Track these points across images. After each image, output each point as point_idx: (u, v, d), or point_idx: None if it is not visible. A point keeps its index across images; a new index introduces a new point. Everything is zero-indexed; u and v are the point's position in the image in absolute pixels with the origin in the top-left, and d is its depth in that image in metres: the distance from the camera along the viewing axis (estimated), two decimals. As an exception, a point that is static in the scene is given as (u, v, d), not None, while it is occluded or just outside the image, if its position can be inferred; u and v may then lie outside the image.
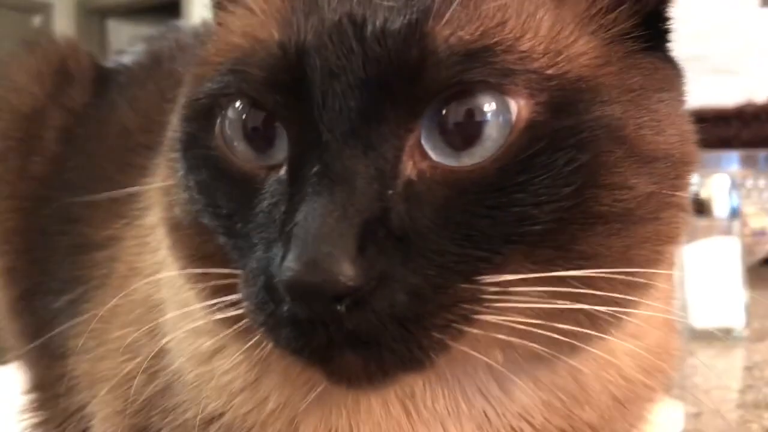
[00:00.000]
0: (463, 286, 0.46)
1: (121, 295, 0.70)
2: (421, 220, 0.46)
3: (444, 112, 0.47)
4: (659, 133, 0.49)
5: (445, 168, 0.47)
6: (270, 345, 0.50)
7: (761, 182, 1.80)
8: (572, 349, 0.51)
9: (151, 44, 1.04)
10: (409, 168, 0.47)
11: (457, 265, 0.46)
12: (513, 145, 0.46)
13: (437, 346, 0.46)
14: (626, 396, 0.60)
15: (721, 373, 1.17)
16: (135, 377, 0.65)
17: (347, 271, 0.43)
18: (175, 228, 0.58)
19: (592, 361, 0.56)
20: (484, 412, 0.57)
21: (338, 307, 0.44)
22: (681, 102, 0.53)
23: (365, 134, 0.47)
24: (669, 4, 0.53)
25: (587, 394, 0.58)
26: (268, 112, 0.51)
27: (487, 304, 0.46)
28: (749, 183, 1.80)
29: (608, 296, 0.48)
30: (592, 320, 0.49)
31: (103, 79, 1.03)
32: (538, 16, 0.49)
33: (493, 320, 0.47)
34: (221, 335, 0.56)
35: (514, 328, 0.47)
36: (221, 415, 0.60)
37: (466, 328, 0.46)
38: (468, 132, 0.47)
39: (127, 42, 1.17)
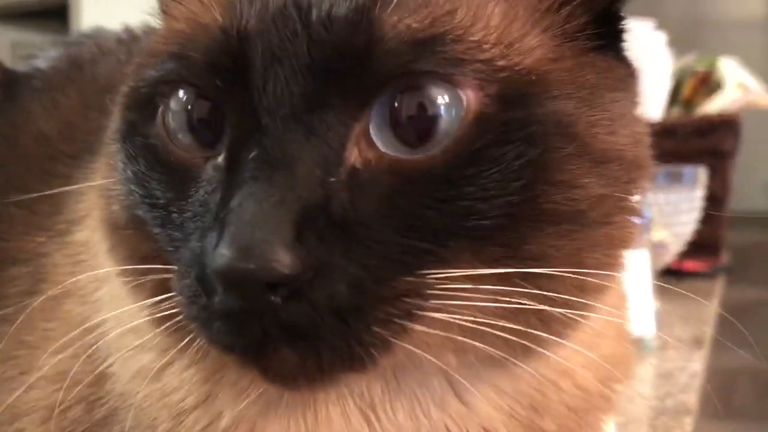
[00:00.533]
0: (406, 279, 0.44)
1: (49, 318, 0.65)
2: (364, 209, 0.45)
3: (396, 104, 0.46)
4: (612, 134, 0.49)
5: (392, 158, 0.46)
6: (200, 343, 0.48)
7: (660, 197, 1.89)
8: (525, 352, 0.49)
9: (69, 49, 0.98)
10: (354, 156, 0.46)
11: (402, 256, 0.44)
12: (462, 137, 0.45)
13: (379, 342, 0.45)
14: (582, 406, 0.60)
15: (638, 383, 1.21)
16: (71, 407, 0.60)
17: (283, 258, 0.41)
18: (114, 228, 0.55)
19: (548, 370, 0.56)
20: (445, 425, 0.55)
21: (273, 298, 0.42)
22: (635, 104, 0.53)
23: (308, 120, 0.45)
24: (622, 3, 0.53)
25: (547, 403, 0.58)
26: (211, 100, 0.49)
27: (432, 300, 0.45)
28: (650, 197, 1.89)
29: (558, 297, 0.47)
30: (544, 322, 0.48)
31: (13, 83, 0.96)
32: (489, 7, 0.48)
33: (439, 317, 0.45)
34: (167, 349, 0.54)
35: (462, 327, 0.46)
36: None
37: (410, 324, 0.45)
38: (422, 126, 0.46)
39: (9, 47, 1.10)
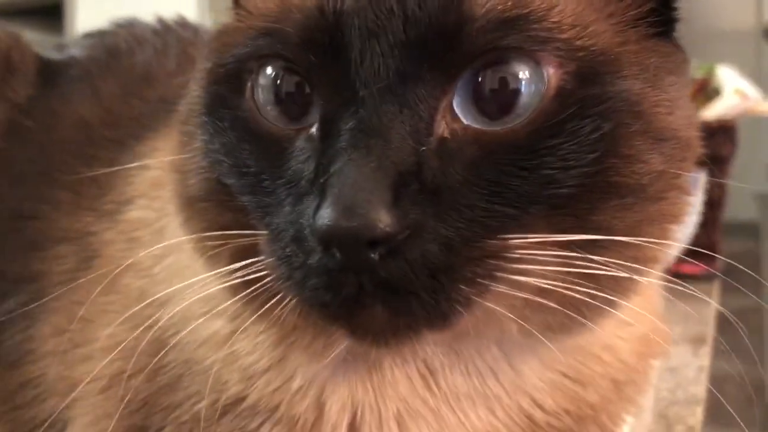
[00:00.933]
0: (490, 241, 0.47)
1: (107, 292, 0.67)
2: (452, 176, 0.48)
3: (480, 79, 0.49)
4: (670, 114, 0.52)
5: (477, 129, 0.49)
6: (288, 306, 0.50)
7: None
8: (586, 314, 0.52)
9: (103, 38, 1.00)
10: (442, 127, 0.49)
11: (486, 220, 0.47)
12: (544, 111, 0.49)
13: (463, 300, 0.48)
14: (623, 379, 0.63)
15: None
16: (132, 376, 0.62)
17: (384, 218, 0.44)
18: (190, 201, 0.57)
19: (593, 344, 0.59)
20: (497, 394, 0.59)
21: (372, 255, 0.45)
22: (687, 87, 0.57)
23: (402, 92, 0.48)
24: None
25: (590, 375, 0.61)
26: (301, 75, 0.51)
27: (512, 263, 0.48)
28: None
29: (618, 263, 0.50)
30: (606, 287, 0.51)
31: (50, 71, 0.98)
32: None
33: (518, 279, 0.48)
34: (239, 315, 0.56)
35: (538, 289, 0.49)
36: (244, 398, 0.59)
37: (493, 284, 0.48)
38: (503, 100, 0.49)
39: None
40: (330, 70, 0.50)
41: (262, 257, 0.51)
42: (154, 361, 0.61)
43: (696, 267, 2.20)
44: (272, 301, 0.51)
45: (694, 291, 0.63)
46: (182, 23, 1.01)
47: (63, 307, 0.72)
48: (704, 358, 1.34)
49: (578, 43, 0.50)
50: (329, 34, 0.50)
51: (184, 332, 0.60)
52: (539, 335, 0.53)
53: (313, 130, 0.51)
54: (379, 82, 0.48)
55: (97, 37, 1.01)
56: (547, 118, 0.48)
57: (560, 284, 0.49)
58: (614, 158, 0.49)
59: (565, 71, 0.49)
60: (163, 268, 0.64)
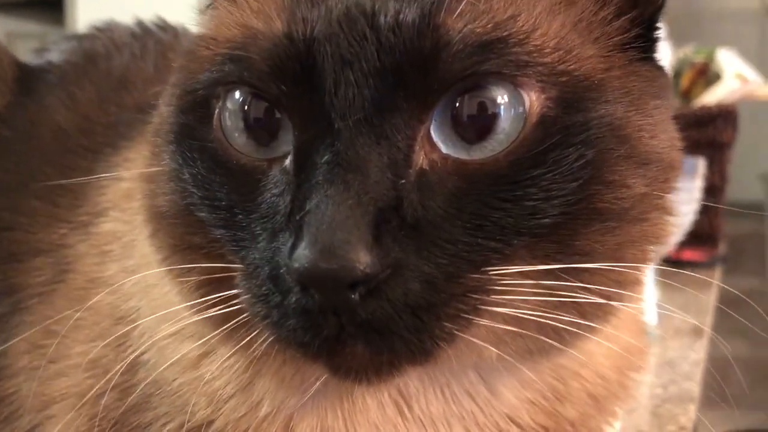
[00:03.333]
0: (472, 276, 0.46)
1: (79, 308, 0.66)
2: (433, 210, 0.47)
3: (457, 104, 0.48)
4: (654, 137, 0.51)
5: (457, 159, 0.48)
6: (265, 342, 0.49)
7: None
8: (566, 341, 0.52)
9: (81, 42, 0.99)
10: (421, 158, 0.48)
11: (469, 254, 0.46)
12: (526, 140, 0.47)
13: (447, 336, 0.47)
14: (602, 394, 0.62)
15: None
16: (102, 394, 0.61)
17: (364, 258, 0.43)
18: (158, 217, 0.56)
19: (571, 361, 0.58)
20: (472, 413, 0.58)
21: (352, 296, 0.44)
22: (669, 109, 0.55)
23: (378, 123, 0.47)
24: (661, 14, 0.55)
25: (568, 392, 0.60)
26: (270, 102, 0.50)
27: (494, 296, 0.47)
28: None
29: (599, 290, 0.50)
30: (588, 312, 0.50)
31: (28, 77, 0.97)
32: (547, 16, 0.50)
33: (500, 311, 0.47)
34: (208, 338, 0.55)
35: (518, 319, 0.48)
36: (211, 422, 0.58)
37: (476, 319, 0.47)
38: (481, 124, 0.47)
39: (4, 37, 1.10)
40: (302, 100, 0.48)
41: (234, 290, 0.50)
42: (123, 380, 0.60)
43: (697, 253, 2.18)
44: (249, 337, 0.50)
45: (686, 283, 0.62)
46: (162, 26, 0.99)
47: (37, 322, 0.71)
48: (700, 351, 1.32)
49: (561, 67, 0.49)
50: (300, 62, 0.48)
51: (153, 352, 0.59)
52: (517, 361, 0.52)
53: (287, 162, 0.49)
54: (355, 113, 0.47)
55: (75, 40, 1.00)
56: (530, 147, 0.47)
57: (542, 313, 0.48)
58: (598, 185, 0.48)
59: (547, 97, 0.48)
60: (134, 283, 0.63)
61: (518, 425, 0.59)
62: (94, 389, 0.62)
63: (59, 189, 0.79)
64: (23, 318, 0.73)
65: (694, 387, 1.14)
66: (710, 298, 1.49)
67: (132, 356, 0.60)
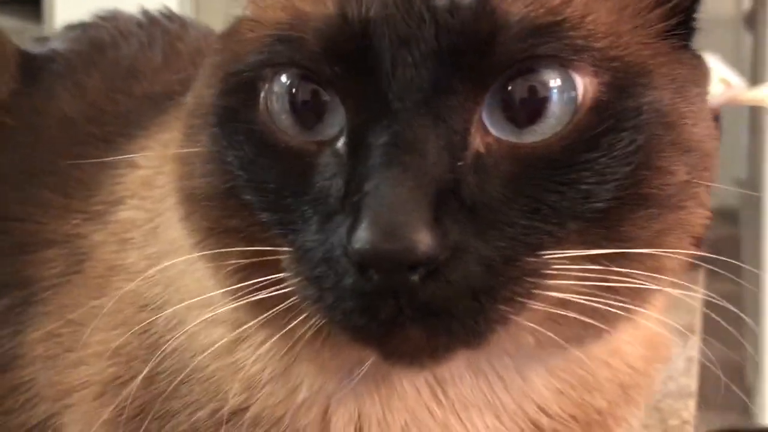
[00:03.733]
0: (528, 259, 0.46)
1: (98, 296, 0.65)
2: (490, 193, 0.47)
3: (510, 88, 0.48)
4: (695, 125, 0.51)
5: (510, 143, 0.48)
6: (314, 327, 0.49)
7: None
8: (610, 324, 0.52)
9: (86, 31, 0.97)
10: (476, 141, 0.47)
11: (526, 238, 0.46)
12: (580, 124, 0.48)
13: (501, 319, 0.47)
14: (630, 383, 0.63)
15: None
16: (126, 383, 0.61)
17: (425, 240, 0.43)
18: (193, 199, 0.55)
19: (600, 350, 0.59)
20: (504, 401, 0.58)
21: (412, 278, 0.44)
22: (707, 99, 0.56)
23: (436, 105, 0.46)
24: (699, 2, 0.56)
25: (597, 381, 0.61)
26: (321, 84, 0.49)
27: (548, 280, 0.47)
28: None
29: (640, 274, 0.50)
30: (628, 296, 0.50)
31: (31, 65, 0.95)
32: (598, 2, 0.50)
33: (554, 295, 0.47)
34: (244, 324, 0.54)
35: (570, 304, 0.48)
36: (246, 409, 0.57)
37: (529, 302, 0.47)
38: (532, 108, 0.48)
39: None
40: (357, 81, 0.48)
41: (276, 275, 0.49)
42: (149, 368, 0.59)
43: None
44: (293, 322, 0.49)
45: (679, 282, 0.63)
46: (168, 15, 0.98)
47: (53, 312, 0.70)
48: (693, 348, 1.34)
49: (612, 52, 0.49)
50: (355, 43, 0.48)
51: (183, 339, 0.58)
52: (556, 347, 0.52)
53: (339, 144, 0.49)
54: (414, 94, 0.46)
55: (80, 29, 0.98)
56: (583, 132, 0.48)
57: (589, 297, 0.48)
58: (646, 170, 0.48)
59: (600, 81, 0.48)
60: (158, 270, 0.62)
61: (547, 414, 0.59)
62: (118, 378, 0.61)
63: (71, 179, 0.78)
64: (38, 309, 0.72)
65: (692, 383, 1.16)
66: (697, 300, 1.51)
67: (158, 343, 0.59)
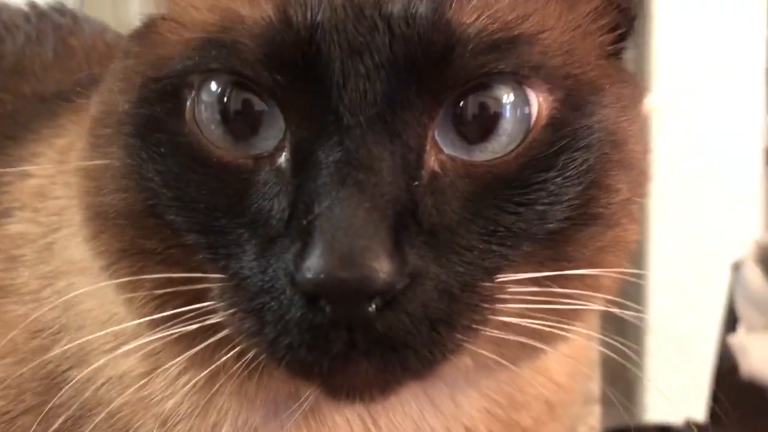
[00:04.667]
0: (485, 284, 0.44)
1: None
2: (448, 214, 0.44)
3: (462, 103, 0.46)
4: (637, 143, 0.52)
5: (464, 161, 0.46)
6: (243, 362, 0.45)
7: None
8: (552, 345, 0.51)
9: (-33, 24, 0.88)
10: (432, 159, 0.45)
11: (483, 262, 0.44)
12: (535, 141, 0.46)
13: (457, 348, 0.45)
14: (556, 400, 0.63)
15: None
16: (15, 418, 0.55)
17: (386, 267, 0.40)
18: (101, 217, 0.50)
19: (528, 369, 0.58)
20: (433, 426, 0.56)
21: (369, 308, 0.41)
22: (643, 118, 0.56)
23: (390, 120, 0.44)
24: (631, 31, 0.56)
25: (525, 399, 0.60)
26: (258, 92, 0.45)
27: (500, 305, 0.45)
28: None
29: (580, 294, 0.49)
30: (569, 317, 0.50)
31: None
32: (554, 19, 0.49)
33: (508, 320, 0.46)
34: (157, 353, 0.50)
35: (511, 326, 0.47)
36: None
37: (484, 329, 0.45)
38: (485, 125, 0.46)
39: None
40: (302, 91, 0.44)
41: (201, 303, 0.45)
42: (43, 401, 0.54)
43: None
44: (223, 357, 0.45)
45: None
46: (59, 9, 0.91)
47: None
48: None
49: (566, 70, 0.48)
50: (301, 50, 0.44)
51: (87, 370, 0.53)
52: (493, 368, 0.51)
53: (281, 160, 0.45)
54: (367, 107, 0.43)
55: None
56: (539, 150, 0.46)
57: (533, 320, 0.47)
58: (596, 189, 0.48)
59: (555, 98, 0.47)
60: (55, 292, 0.56)
61: None
62: (7, 413, 0.55)
63: None
64: None
65: (595, 387, 1.17)
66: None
67: (55, 373, 0.53)
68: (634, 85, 0.54)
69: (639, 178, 0.52)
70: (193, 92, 0.47)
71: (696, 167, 2.69)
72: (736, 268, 1.70)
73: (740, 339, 1.60)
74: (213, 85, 0.46)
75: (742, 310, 1.70)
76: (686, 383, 1.61)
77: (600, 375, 1.21)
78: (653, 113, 2.44)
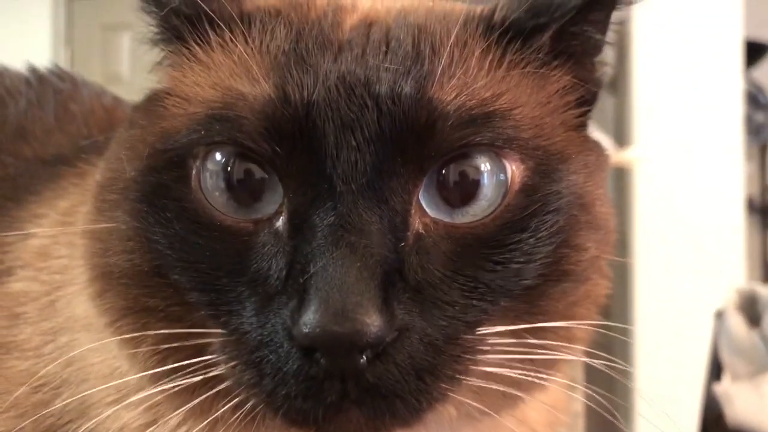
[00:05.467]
0: (467, 336, 0.48)
1: None
2: (432, 272, 0.48)
3: (444, 171, 0.50)
4: (602, 205, 0.56)
5: (447, 224, 0.50)
6: (241, 412, 0.48)
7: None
8: (530, 392, 0.55)
9: (-31, 87, 0.92)
10: (416, 222, 0.49)
11: (464, 316, 0.48)
12: (510, 205, 0.51)
13: (442, 397, 0.48)
14: None
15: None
16: None
17: (376, 321, 0.44)
18: (107, 276, 0.53)
19: (509, 418, 0.60)
20: None
21: (361, 360, 0.44)
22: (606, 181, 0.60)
23: (379, 187, 0.48)
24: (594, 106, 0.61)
25: None
26: (258, 162, 0.50)
27: (481, 355, 0.49)
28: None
29: (555, 345, 0.53)
30: (546, 366, 0.53)
31: None
32: (525, 98, 0.53)
33: (490, 370, 0.49)
34: (158, 406, 0.52)
35: (491, 375, 0.50)
36: None
37: (466, 378, 0.49)
38: (466, 190, 0.50)
39: None
40: (298, 162, 0.48)
41: (200, 357, 0.48)
42: None
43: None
44: (223, 408, 0.48)
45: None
46: (58, 73, 0.94)
47: None
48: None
49: (537, 141, 0.52)
50: (298, 124, 0.48)
51: (88, 422, 0.55)
52: (475, 416, 0.53)
53: (279, 224, 0.49)
54: (358, 176, 0.48)
55: (-38, 85, 0.93)
56: (514, 213, 0.50)
57: (512, 369, 0.50)
58: (566, 248, 0.52)
59: (526, 167, 0.51)
60: (57, 348, 0.59)
61: None
62: None
63: None
64: None
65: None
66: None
67: (56, 426, 0.56)
68: (598, 152, 0.58)
69: (606, 236, 0.56)
70: (198, 162, 0.51)
71: (678, 217, 2.75)
72: (719, 316, 1.73)
73: (725, 387, 1.62)
74: (217, 156, 0.50)
75: (726, 358, 1.71)
76: (673, 432, 1.63)
77: (586, 427, 1.23)
78: (634, 164, 2.48)
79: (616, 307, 2.87)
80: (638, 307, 2.72)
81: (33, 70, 0.95)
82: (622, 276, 2.72)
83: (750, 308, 1.74)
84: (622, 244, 2.82)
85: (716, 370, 1.72)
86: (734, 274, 2.66)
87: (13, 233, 0.68)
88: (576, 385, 0.71)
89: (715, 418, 1.59)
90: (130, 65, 3.59)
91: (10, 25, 3.55)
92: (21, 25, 3.61)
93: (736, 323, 1.71)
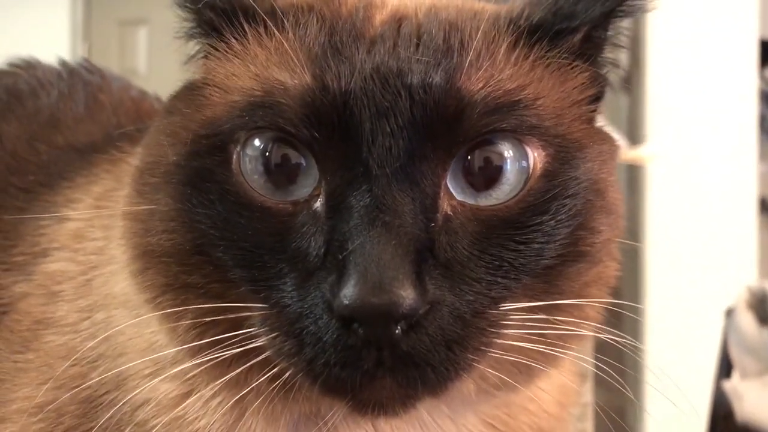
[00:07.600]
0: (492, 311, 0.51)
1: (21, 350, 0.64)
2: (460, 251, 0.52)
3: (470, 157, 0.53)
4: (615, 191, 0.59)
5: (473, 206, 0.53)
6: (279, 382, 0.51)
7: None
8: (549, 366, 0.58)
9: (2, 78, 0.96)
10: (445, 204, 0.52)
11: (490, 292, 0.51)
12: (533, 189, 0.54)
13: (468, 367, 0.51)
14: (546, 427, 0.67)
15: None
16: None
17: (411, 294, 0.47)
18: (148, 255, 0.56)
19: (520, 397, 0.63)
20: None
21: (396, 330, 0.47)
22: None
23: (411, 171, 0.51)
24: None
25: (518, 426, 0.65)
26: (297, 147, 0.53)
27: (505, 329, 0.52)
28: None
29: (571, 321, 0.56)
30: (563, 341, 0.57)
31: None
32: (547, 90, 0.57)
33: (511, 343, 0.53)
34: (194, 377, 0.55)
35: (515, 349, 0.54)
36: None
37: (491, 350, 0.52)
38: (490, 175, 0.53)
39: None
40: (336, 147, 0.52)
41: (238, 331, 0.51)
42: (80, 422, 0.59)
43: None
44: (261, 378, 0.51)
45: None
46: (88, 67, 0.98)
47: None
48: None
49: (557, 130, 0.56)
50: (336, 112, 0.51)
51: (125, 393, 0.58)
52: (492, 391, 0.57)
53: (317, 205, 0.52)
54: (392, 161, 0.51)
55: (-6, 76, 0.96)
56: (535, 197, 0.54)
57: (532, 343, 0.54)
58: (582, 230, 0.55)
59: (547, 153, 0.55)
60: (93, 323, 0.62)
61: None
62: None
63: None
64: None
65: (588, 427, 1.22)
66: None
67: (93, 398, 0.59)
68: (610, 142, 0.62)
69: (617, 221, 0.59)
70: (239, 147, 0.54)
71: (691, 215, 2.76)
72: (729, 314, 1.74)
73: (735, 385, 1.64)
74: (257, 141, 0.53)
75: (736, 355, 1.73)
76: (683, 430, 1.64)
77: (596, 424, 1.25)
78: (648, 161, 2.49)
79: (627, 309, 2.88)
80: (650, 303, 2.73)
81: (64, 64, 0.99)
82: (634, 274, 2.73)
83: (761, 307, 1.75)
84: (634, 243, 2.84)
85: (726, 368, 1.74)
86: (746, 273, 2.67)
87: (48, 215, 0.71)
88: (585, 361, 0.73)
89: (724, 414, 1.61)
90: (146, 60, 3.64)
91: (28, 20, 3.59)
92: (39, 20, 3.66)
93: (747, 321, 1.73)
